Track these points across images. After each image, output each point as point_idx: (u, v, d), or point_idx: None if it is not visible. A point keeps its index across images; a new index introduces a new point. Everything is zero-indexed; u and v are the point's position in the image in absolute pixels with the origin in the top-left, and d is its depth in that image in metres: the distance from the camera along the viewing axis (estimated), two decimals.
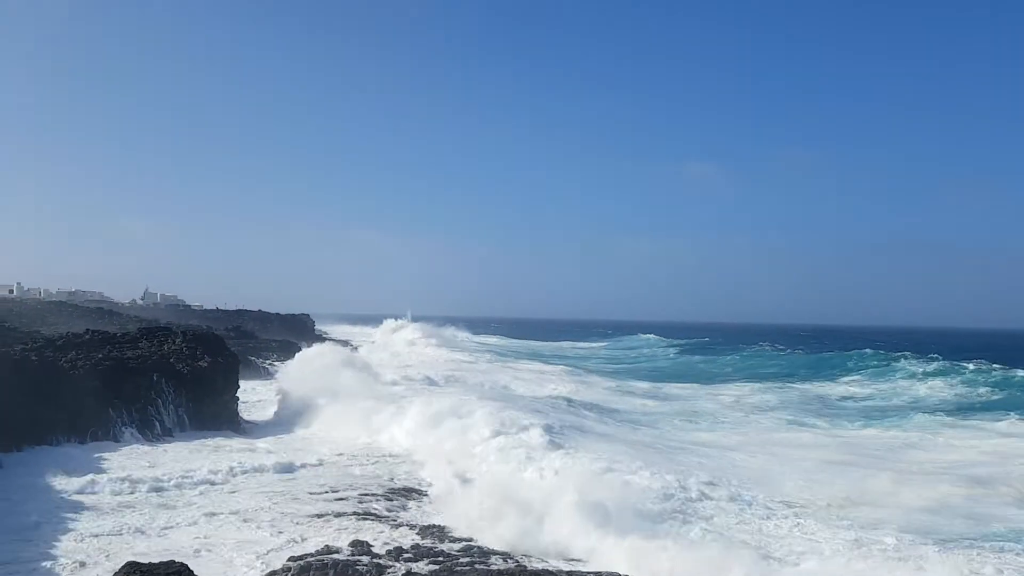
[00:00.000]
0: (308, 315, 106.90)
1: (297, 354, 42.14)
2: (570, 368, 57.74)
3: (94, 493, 16.34)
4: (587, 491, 14.89)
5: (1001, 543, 14.67)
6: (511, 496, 15.01)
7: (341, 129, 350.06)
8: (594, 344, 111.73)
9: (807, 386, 47.38)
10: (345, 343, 61.65)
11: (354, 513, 15.75)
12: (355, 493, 17.51)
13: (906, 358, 54.26)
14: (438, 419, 24.38)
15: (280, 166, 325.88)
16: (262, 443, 23.99)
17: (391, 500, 17.11)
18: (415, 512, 16.21)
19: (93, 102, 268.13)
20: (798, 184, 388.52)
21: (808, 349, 78.56)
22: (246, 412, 28.58)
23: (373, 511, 16.02)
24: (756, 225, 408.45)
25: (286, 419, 27.76)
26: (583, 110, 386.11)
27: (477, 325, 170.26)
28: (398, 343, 79.80)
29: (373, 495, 17.41)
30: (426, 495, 17.65)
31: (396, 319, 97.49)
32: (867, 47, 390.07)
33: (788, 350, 75.91)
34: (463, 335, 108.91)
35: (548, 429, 23.65)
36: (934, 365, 51.02)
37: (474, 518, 14.46)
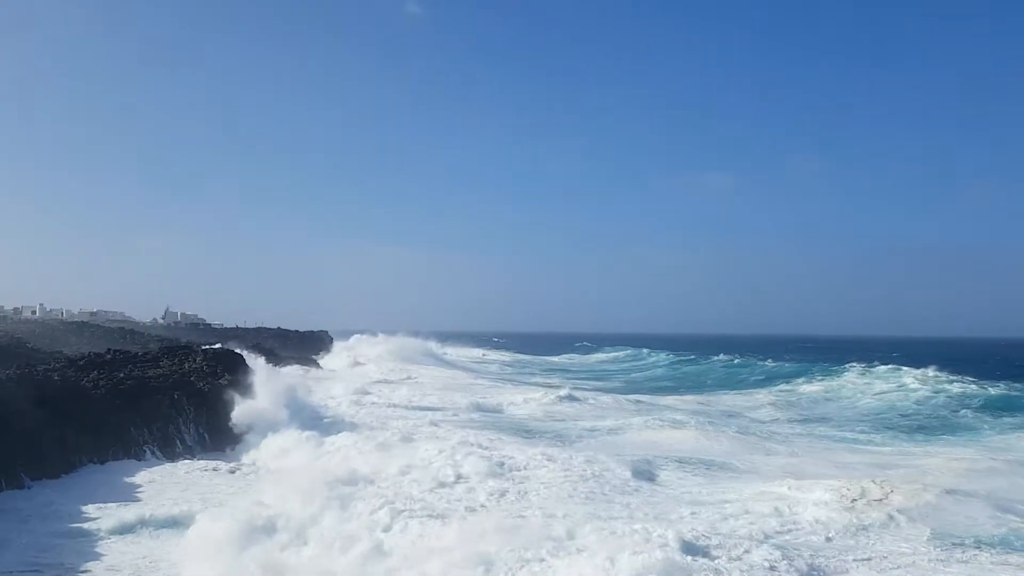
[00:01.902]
0: (326, 331, 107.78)
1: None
2: (607, 385, 57.41)
3: (121, 526, 15.94)
4: None
5: None
6: None
7: (361, 143, 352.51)
8: (616, 354, 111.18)
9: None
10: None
11: None
12: None
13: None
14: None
15: (300, 182, 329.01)
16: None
17: None
18: None
19: (110, 120, 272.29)
20: (814, 192, 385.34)
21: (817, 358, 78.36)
22: None
23: None
24: (772, 235, 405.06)
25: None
26: (593, 120, 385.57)
27: (482, 339, 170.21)
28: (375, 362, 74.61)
29: None
30: None
31: (375, 335, 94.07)
32: (884, 51, 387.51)
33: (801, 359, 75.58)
34: (484, 352, 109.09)
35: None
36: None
37: None
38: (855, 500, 16.96)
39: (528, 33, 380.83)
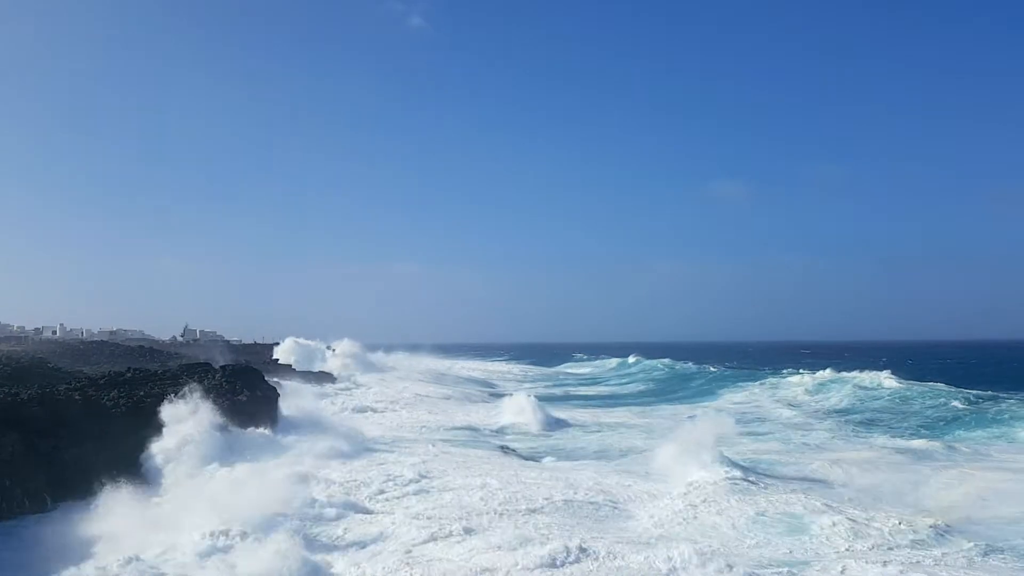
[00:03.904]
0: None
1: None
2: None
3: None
4: None
5: None
6: None
7: (373, 161, 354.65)
8: (619, 361, 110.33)
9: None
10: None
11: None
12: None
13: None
14: None
15: (310, 197, 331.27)
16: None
17: None
18: None
19: (130, 139, 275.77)
20: (827, 200, 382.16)
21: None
22: None
23: None
24: (785, 244, 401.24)
25: None
26: (601, 129, 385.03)
27: (486, 351, 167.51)
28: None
29: None
30: None
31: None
32: (897, 56, 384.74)
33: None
34: (509, 367, 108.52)
35: None
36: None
37: None
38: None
39: (533, 44, 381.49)
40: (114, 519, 16.52)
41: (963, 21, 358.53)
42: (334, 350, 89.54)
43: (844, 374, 54.64)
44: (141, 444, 22.89)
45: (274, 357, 66.99)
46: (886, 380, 50.63)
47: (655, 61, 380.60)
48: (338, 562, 14.29)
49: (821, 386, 52.62)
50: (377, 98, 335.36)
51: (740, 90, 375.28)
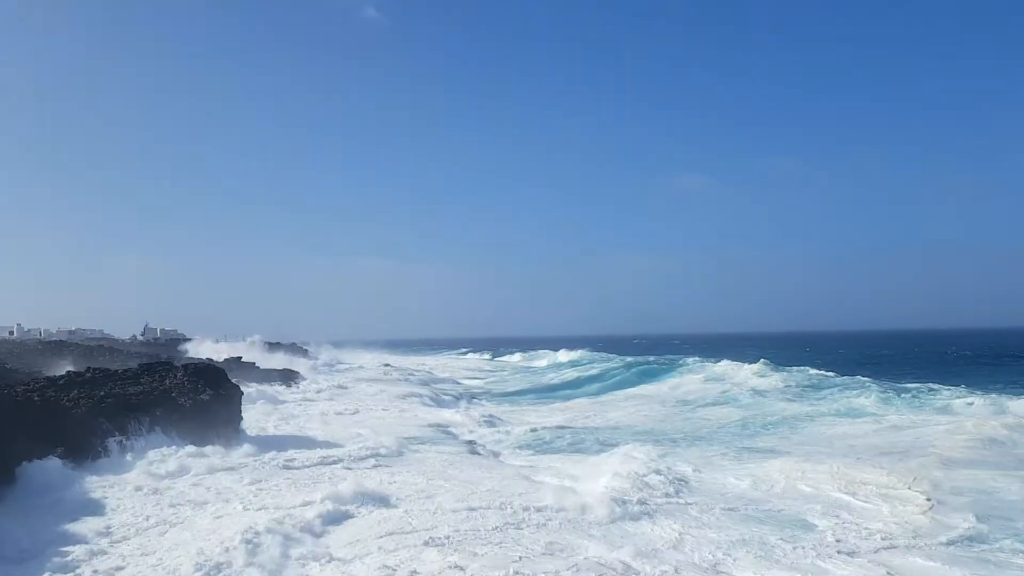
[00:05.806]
0: (306, 343, 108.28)
1: None
2: None
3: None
4: None
5: None
6: None
7: (335, 156, 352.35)
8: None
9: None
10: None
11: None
12: None
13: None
14: None
15: (269, 194, 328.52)
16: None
17: None
18: None
19: (86, 136, 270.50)
20: (790, 192, 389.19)
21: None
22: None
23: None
24: (751, 235, 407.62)
25: None
26: (562, 121, 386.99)
27: (440, 346, 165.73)
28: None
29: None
30: None
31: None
32: (858, 46, 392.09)
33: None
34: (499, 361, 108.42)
35: None
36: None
37: None
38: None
39: (492, 35, 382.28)
40: None
41: (925, 14, 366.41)
42: (302, 347, 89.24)
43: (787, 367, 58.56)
44: (103, 445, 22.88)
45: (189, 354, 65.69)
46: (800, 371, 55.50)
47: (616, 53, 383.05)
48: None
49: (762, 376, 55.10)
50: (329, 90, 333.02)
51: (703, 83, 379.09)
